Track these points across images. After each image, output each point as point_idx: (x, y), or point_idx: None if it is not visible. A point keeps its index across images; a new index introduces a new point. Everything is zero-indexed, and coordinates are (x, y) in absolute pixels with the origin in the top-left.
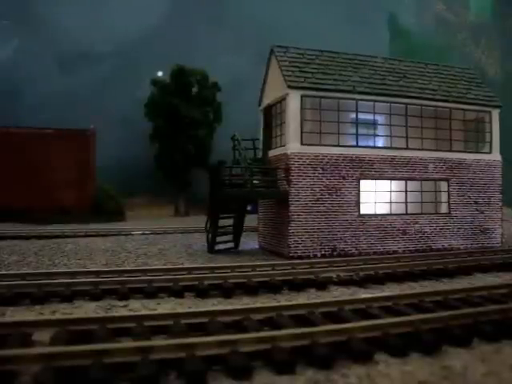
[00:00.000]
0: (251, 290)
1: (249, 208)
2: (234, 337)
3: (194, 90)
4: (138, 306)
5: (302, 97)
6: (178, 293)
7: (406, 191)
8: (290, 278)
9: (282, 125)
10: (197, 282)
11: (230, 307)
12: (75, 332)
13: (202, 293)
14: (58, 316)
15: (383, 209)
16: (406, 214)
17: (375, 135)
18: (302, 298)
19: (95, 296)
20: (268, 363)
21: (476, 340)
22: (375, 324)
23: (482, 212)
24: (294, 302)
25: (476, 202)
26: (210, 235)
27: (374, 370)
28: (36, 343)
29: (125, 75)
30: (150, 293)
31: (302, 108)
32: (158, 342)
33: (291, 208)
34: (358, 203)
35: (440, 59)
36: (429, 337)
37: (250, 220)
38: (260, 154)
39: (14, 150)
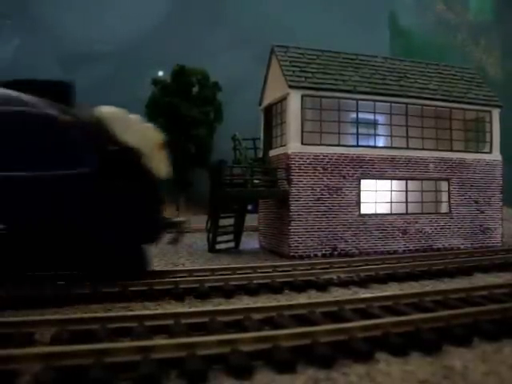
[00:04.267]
0: (252, 290)
1: (249, 208)
2: (235, 336)
3: (195, 89)
4: (139, 307)
5: (302, 96)
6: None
7: (407, 191)
8: (291, 279)
9: (283, 124)
10: (197, 285)
11: (231, 307)
12: (76, 332)
13: (202, 294)
14: (58, 316)
15: (384, 208)
16: (407, 213)
17: (376, 135)
18: (302, 298)
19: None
20: (269, 362)
21: (476, 339)
22: (376, 323)
23: (483, 212)
24: (294, 302)
25: (476, 202)
26: (211, 235)
27: (374, 369)
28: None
29: (125, 75)
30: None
31: (303, 108)
32: (159, 341)
33: (292, 208)
34: (358, 203)
35: (440, 59)
36: (429, 336)
37: (251, 219)
38: (261, 154)
39: None
